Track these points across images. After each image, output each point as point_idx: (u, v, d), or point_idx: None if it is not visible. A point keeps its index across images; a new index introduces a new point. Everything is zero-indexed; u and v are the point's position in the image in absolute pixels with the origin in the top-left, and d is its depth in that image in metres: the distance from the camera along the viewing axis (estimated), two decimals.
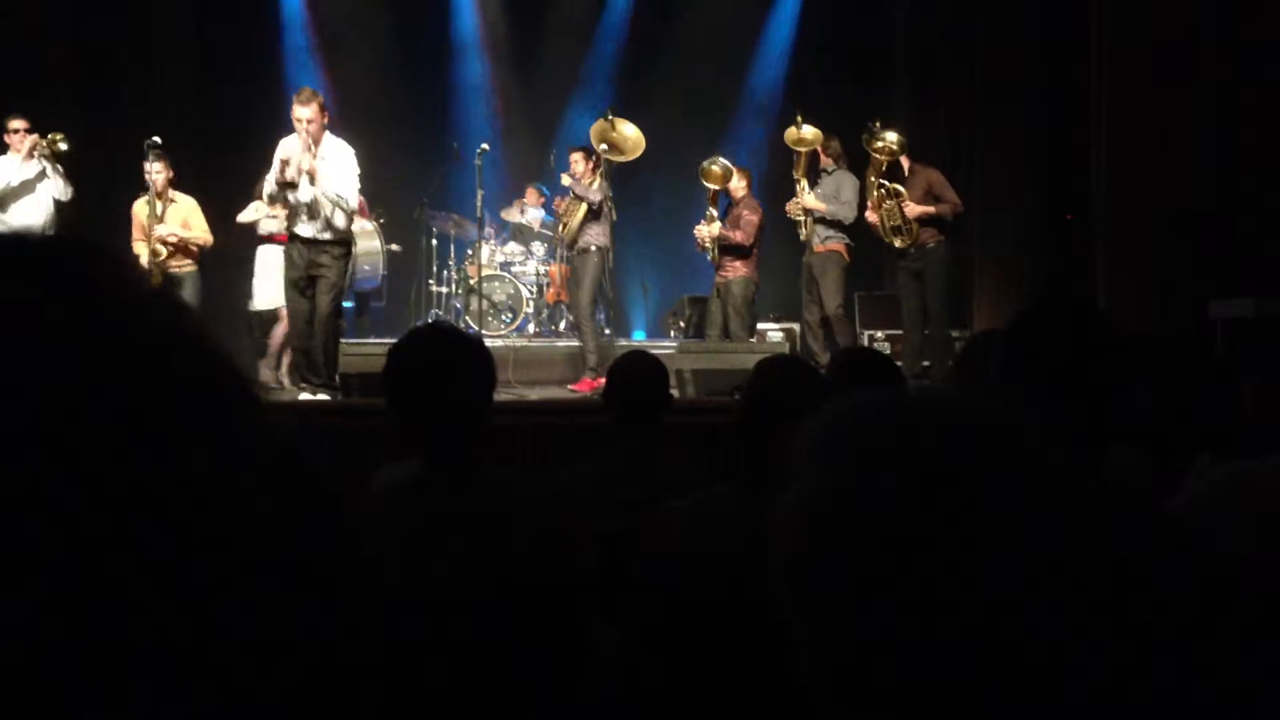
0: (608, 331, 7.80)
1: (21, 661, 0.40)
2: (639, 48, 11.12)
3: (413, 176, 9.73)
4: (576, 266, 7.66)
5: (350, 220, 6.39)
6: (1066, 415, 1.50)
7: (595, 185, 7.51)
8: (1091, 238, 7.42)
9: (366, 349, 7.08)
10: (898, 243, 7.23)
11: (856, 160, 7.69)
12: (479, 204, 7.79)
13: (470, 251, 9.02)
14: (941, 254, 7.20)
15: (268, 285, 7.66)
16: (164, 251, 7.14)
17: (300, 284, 6.26)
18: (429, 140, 10.28)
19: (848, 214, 7.46)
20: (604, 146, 7.60)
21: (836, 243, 7.50)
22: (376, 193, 8.73)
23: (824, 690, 0.76)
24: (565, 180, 7.76)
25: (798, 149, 7.66)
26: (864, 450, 0.76)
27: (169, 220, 7.25)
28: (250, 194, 7.56)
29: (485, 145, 7.96)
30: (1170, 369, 2.35)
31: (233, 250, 8.31)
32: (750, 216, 7.72)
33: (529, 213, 9.77)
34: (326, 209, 6.22)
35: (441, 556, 1.99)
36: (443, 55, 11.24)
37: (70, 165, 7.27)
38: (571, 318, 8.38)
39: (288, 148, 6.25)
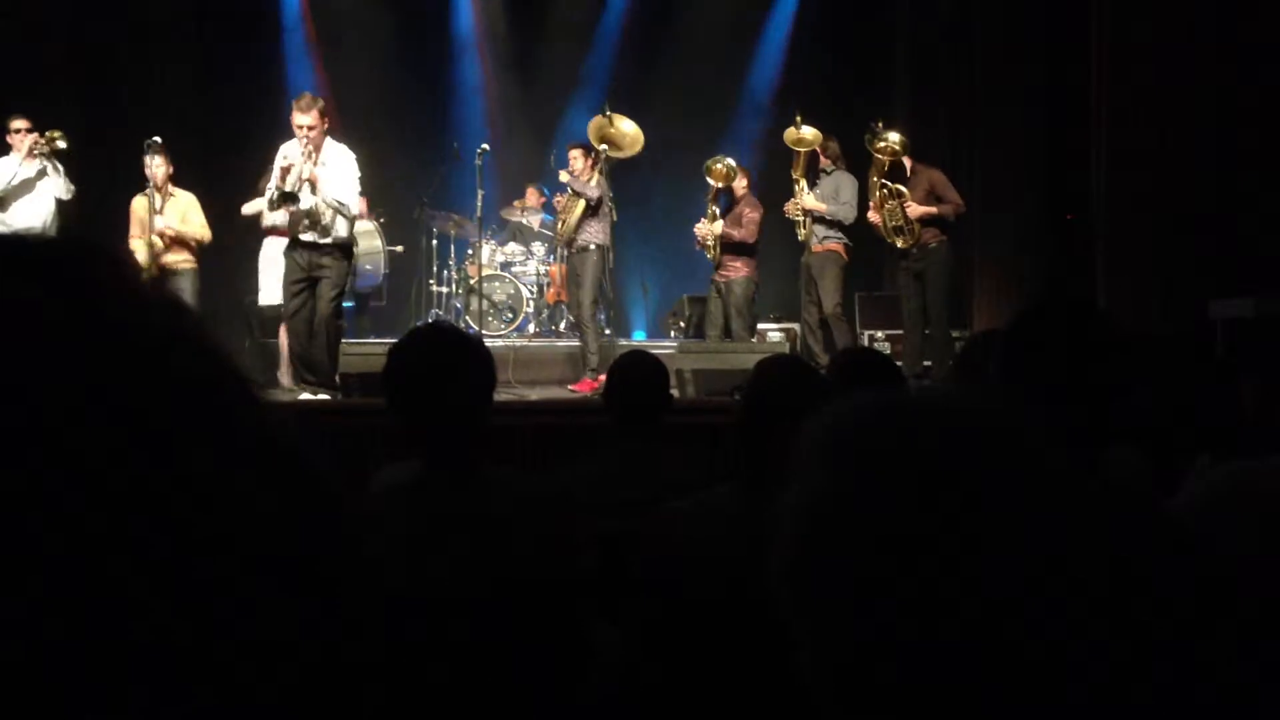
0: (608, 331, 7.80)
1: (21, 661, 0.40)
2: (639, 48, 11.12)
3: (413, 176, 9.74)
4: (576, 265, 7.65)
5: (352, 226, 6.39)
6: (1066, 415, 1.50)
7: (593, 181, 7.51)
8: (1091, 238, 7.42)
9: (367, 349, 7.08)
10: (900, 243, 7.23)
11: (856, 161, 7.70)
12: (479, 204, 7.79)
13: (470, 251, 9.02)
14: (943, 254, 7.20)
15: (274, 281, 7.65)
16: (160, 244, 7.13)
17: (300, 287, 6.25)
18: (429, 140, 10.29)
19: (848, 214, 7.47)
20: (603, 146, 7.60)
21: (835, 243, 7.51)
22: (377, 193, 8.73)
23: (824, 690, 0.76)
24: (563, 177, 7.75)
25: (797, 149, 7.67)
26: (864, 451, 0.76)
27: (167, 214, 7.25)
28: (254, 187, 7.53)
29: (485, 145, 7.96)
30: (1170, 369, 2.35)
31: (235, 247, 8.31)
32: (752, 214, 7.72)
33: (529, 213, 9.78)
34: (327, 216, 6.21)
35: (441, 557, 1.99)
36: (443, 55, 11.24)
37: (70, 164, 7.27)
38: (572, 318, 8.38)
39: (288, 154, 6.24)
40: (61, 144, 7.11)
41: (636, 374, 3.22)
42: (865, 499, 0.74)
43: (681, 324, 9.44)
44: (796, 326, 8.45)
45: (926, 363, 7.31)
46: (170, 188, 7.32)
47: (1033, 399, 1.56)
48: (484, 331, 8.12)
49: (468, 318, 8.55)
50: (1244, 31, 6.55)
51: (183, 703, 0.43)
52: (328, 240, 6.23)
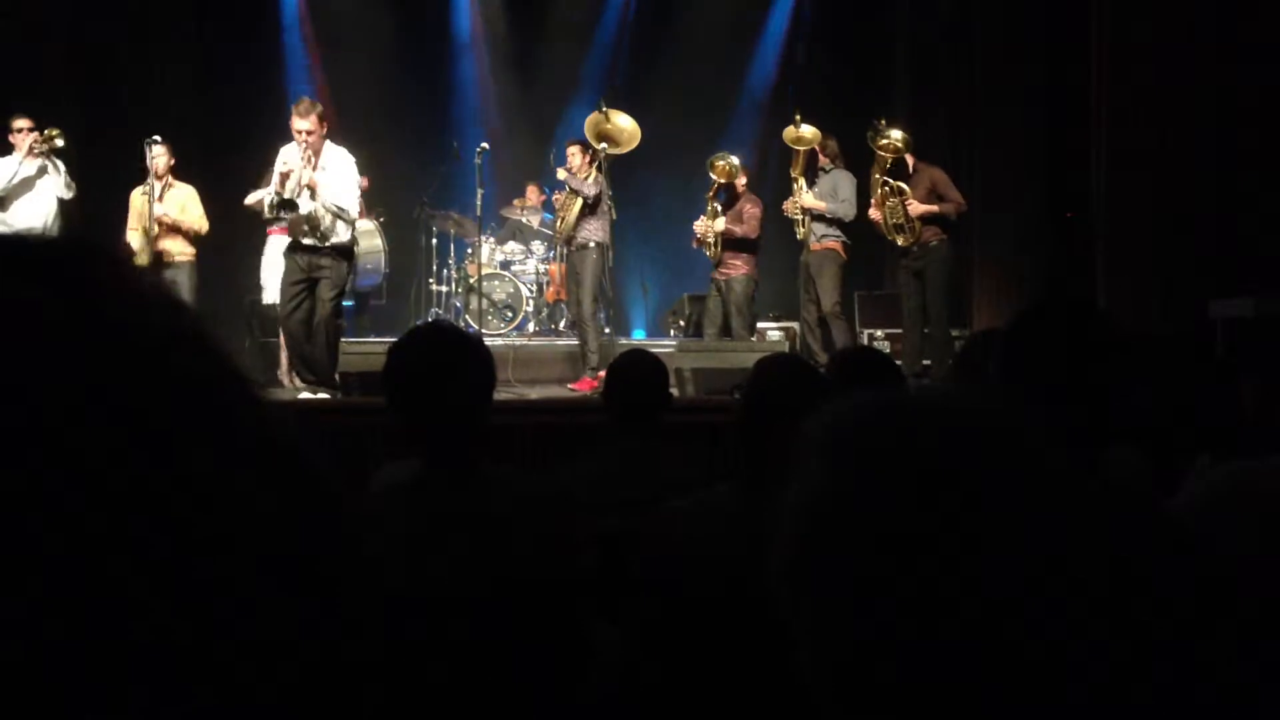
0: (607, 330, 7.80)
1: (21, 661, 0.40)
2: (638, 47, 11.13)
3: (413, 176, 9.74)
4: (576, 263, 7.63)
5: (351, 229, 6.39)
6: (1066, 415, 1.50)
7: (590, 179, 7.50)
8: (1091, 238, 7.42)
9: (366, 348, 7.08)
10: (900, 241, 7.23)
11: (856, 159, 7.70)
12: (478, 203, 7.79)
13: (470, 250, 9.02)
14: (943, 253, 7.20)
15: (277, 280, 7.65)
16: (156, 230, 7.12)
17: (299, 289, 6.25)
18: (429, 140, 10.29)
19: (847, 212, 7.47)
20: (602, 144, 7.59)
21: (833, 241, 7.51)
22: (377, 192, 8.73)
23: (824, 690, 0.76)
24: (561, 174, 7.74)
25: (796, 148, 7.67)
26: (864, 450, 0.76)
27: (166, 204, 7.26)
28: (254, 185, 7.53)
29: (485, 145, 7.96)
30: (1170, 369, 2.35)
31: (237, 245, 8.31)
32: (753, 210, 7.72)
33: (528, 212, 9.78)
34: (326, 221, 6.21)
35: (441, 556, 1.99)
36: (443, 55, 11.24)
37: (70, 164, 7.28)
38: (571, 316, 8.37)
39: (287, 159, 6.24)
40: (59, 142, 7.11)
41: (636, 373, 3.22)
42: (865, 498, 0.74)
43: (681, 323, 9.44)
44: (796, 325, 8.45)
45: (926, 362, 7.31)
46: (170, 179, 7.33)
47: (1033, 399, 1.56)
48: (484, 330, 8.12)
49: (467, 317, 8.55)
50: (1244, 31, 6.55)
51: (183, 703, 0.43)
52: (328, 244, 6.24)
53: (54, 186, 7.16)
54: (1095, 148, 7.32)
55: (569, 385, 7.55)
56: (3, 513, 0.41)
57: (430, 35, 11.10)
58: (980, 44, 8.88)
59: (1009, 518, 0.72)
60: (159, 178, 7.21)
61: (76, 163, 7.40)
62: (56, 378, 0.43)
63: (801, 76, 10.88)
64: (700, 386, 6.63)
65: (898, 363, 4.76)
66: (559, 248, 8.81)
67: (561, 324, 9.28)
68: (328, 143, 6.34)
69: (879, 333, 8.68)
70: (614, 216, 7.57)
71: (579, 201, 7.49)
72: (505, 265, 9.29)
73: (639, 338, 10.27)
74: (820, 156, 7.66)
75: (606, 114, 7.72)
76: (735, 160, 7.80)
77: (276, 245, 7.63)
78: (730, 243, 7.69)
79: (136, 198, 7.32)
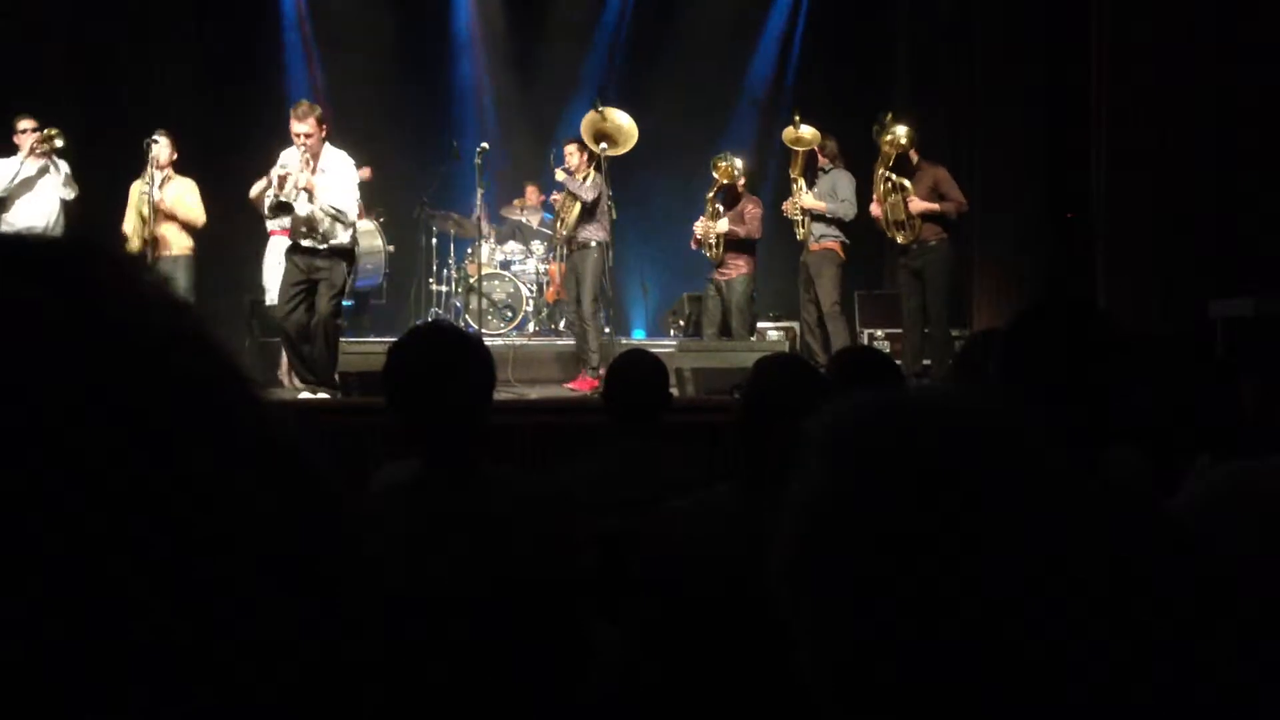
0: (607, 330, 7.81)
1: (22, 661, 0.40)
2: (638, 47, 11.13)
3: (413, 176, 9.74)
4: (577, 263, 7.62)
5: (351, 231, 6.39)
6: (1066, 415, 1.50)
7: (589, 182, 7.49)
8: (1091, 238, 7.41)
9: (366, 348, 7.08)
10: (900, 238, 7.22)
11: (855, 159, 7.70)
12: (477, 202, 7.79)
13: (470, 250, 9.02)
14: (942, 252, 7.19)
15: (279, 280, 7.66)
16: (150, 214, 7.12)
17: (298, 290, 6.26)
18: (429, 140, 10.29)
19: (847, 211, 7.47)
20: (602, 145, 7.57)
21: (831, 241, 7.51)
22: (376, 192, 8.73)
23: (824, 690, 0.76)
24: (559, 175, 7.72)
25: (795, 148, 7.67)
26: (864, 450, 0.76)
27: (165, 194, 7.26)
28: (257, 174, 7.53)
29: (485, 144, 7.96)
30: (1170, 369, 2.35)
31: (239, 245, 8.30)
32: (755, 210, 7.74)
33: (528, 211, 9.78)
34: (325, 224, 6.22)
35: (441, 556, 1.99)
36: (443, 55, 11.25)
37: (70, 164, 7.29)
38: (569, 316, 8.37)
39: (286, 162, 6.26)
40: (59, 142, 7.12)
41: (636, 373, 3.22)
42: (865, 498, 0.74)
43: (681, 322, 9.44)
44: (796, 325, 8.46)
45: (926, 362, 7.31)
46: (171, 172, 7.34)
47: (1033, 399, 1.56)
48: (484, 330, 8.12)
49: (467, 316, 8.55)
50: (1244, 31, 6.55)
51: (183, 703, 0.43)
52: (327, 246, 6.25)
53: (56, 187, 7.17)
54: (1095, 148, 7.32)
55: (566, 385, 7.55)
56: (3, 512, 0.41)
57: (430, 35, 11.10)
58: (980, 44, 8.88)
59: (1009, 518, 0.72)
60: (160, 168, 7.22)
61: (76, 163, 7.40)
62: (56, 378, 0.43)
63: (801, 76, 10.88)
64: (700, 386, 6.63)
65: (897, 362, 4.76)
66: (559, 248, 8.81)
67: (561, 324, 9.28)
68: (327, 145, 6.34)
69: (879, 332, 8.68)
70: (614, 216, 7.57)
71: (578, 204, 7.49)
72: (505, 265, 9.29)
73: (639, 337, 10.27)
74: (820, 157, 7.66)
75: (603, 113, 7.71)
76: (738, 162, 7.80)
77: (278, 247, 7.63)
78: (731, 243, 7.70)
79: (135, 188, 7.33)
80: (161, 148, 7.21)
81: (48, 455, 0.42)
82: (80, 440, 0.42)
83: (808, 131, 7.63)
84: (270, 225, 7.57)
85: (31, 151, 7.06)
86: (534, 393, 7.18)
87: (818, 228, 7.52)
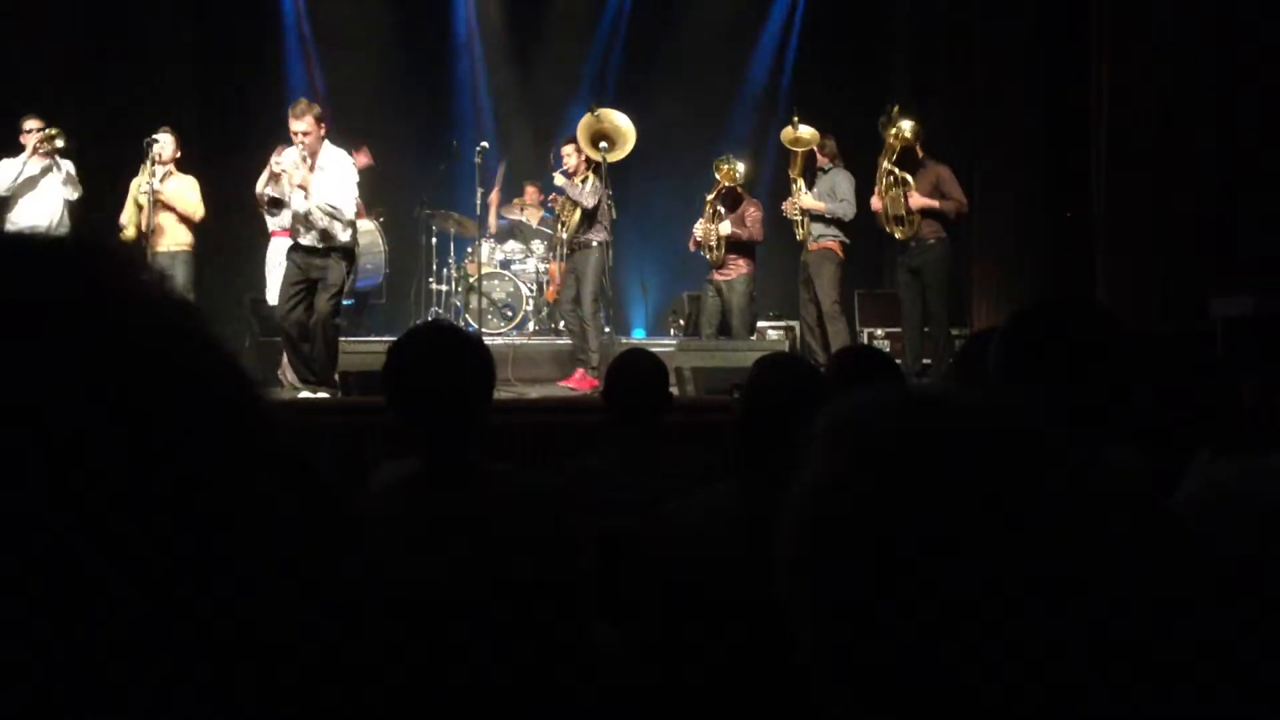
0: (608, 330, 7.81)
1: (22, 661, 0.40)
2: (638, 46, 11.12)
3: (413, 175, 9.74)
4: (577, 263, 7.61)
5: (348, 229, 6.39)
6: (1066, 415, 1.50)
7: (589, 187, 7.47)
8: (1091, 238, 7.42)
9: (366, 347, 7.08)
10: (898, 233, 7.20)
11: (855, 159, 7.69)
12: (478, 202, 7.79)
13: (470, 250, 9.02)
14: (941, 251, 7.18)
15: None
16: (147, 205, 7.11)
17: (298, 289, 6.26)
18: (429, 139, 10.28)
19: (846, 211, 7.46)
20: (602, 144, 7.55)
21: (830, 241, 7.50)
22: (376, 192, 8.73)
23: (824, 689, 0.76)
24: (559, 180, 7.69)
25: (794, 149, 7.66)
26: (865, 449, 0.76)
27: (165, 186, 7.26)
28: (257, 174, 7.54)
29: (485, 143, 7.95)
30: (1170, 369, 2.35)
31: (240, 244, 8.30)
32: (756, 213, 7.75)
33: (528, 211, 9.78)
34: (322, 221, 6.22)
35: (441, 555, 1.99)
36: (443, 54, 11.24)
37: (72, 164, 7.30)
38: (563, 315, 8.35)
39: (283, 160, 6.27)
40: (59, 143, 7.12)
41: (635, 372, 3.22)
42: (866, 497, 0.74)
43: (681, 321, 9.44)
44: (795, 325, 8.46)
45: (926, 361, 7.31)
46: (173, 168, 7.35)
47: (1032, 398, 1.56)
48: (483, 329, 8.12)
49: (467, 316, 8.55)
50: (1244, 32, 6.55)
51: (183, 703, 0.43)
52: (325, 244, 6.25)
53: (59, 186, 7.17)
54: (1095, 148, 7.32)
55: (558, 382, 7.54)
56: (4, 513, 0.41)
57: (430, 34, 11.10)
58: (980, 44, 8.88)
59: (1010, 517, 0.72)
60: (163, 164, 7.22)
61: (76, 163, 7.40)
62: (59, 378, 0.43)
63: (801, 76, 10.88)
64: (700, 386, 6.63)
65: (897, 362, 4.76)
66: (559, 247, 8.81)
67: (561, 324, 9.28)
68: (326, 144, 6.35)
69: (879, 331, 8.68)
70: (614, 215, 7.57)
71: (579, 210, 7.47)
72: (505, 264, 9.29)
73: (639, 337, 10.26)
74: (819, 156, 7.66)
75: (598, 116, 7.67)
76: (740, 166, 7.79)
77: (280, 248, 7.64)
78: (731, 244, 7.70)
79: (135, 184, 7.34)
80: (165, 144, 7.23)
81: (49, 456, 0.42)
82: (82, 441, 0.42)
83: (806, 131, 7.63)
84: (272, 226, 7.58)
85: (34, 151, 7.07)
86: (534, 392, 7.18)
87: (817, 227, 7.52)
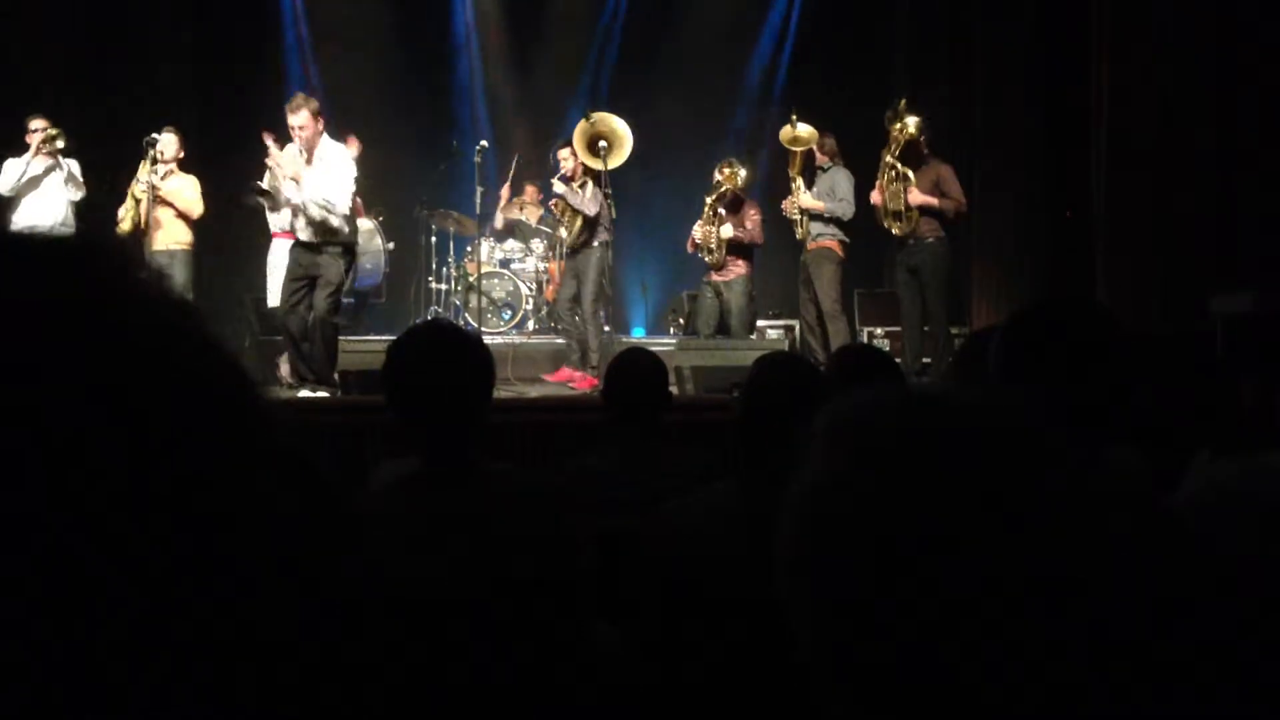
0: (607, 329, 7.81)
1: (22, 661, 0.40)
2: (638, 47, 11.12)
3: (412, 175, 9.74)
4: (578, 263, 7.61)
5: (346, 223, 6.38)
6: (1066, 415, 1.50)
7: (589, 194, 7.46)
8: (1091, 238, 7.41)
9: (366, 346, 7.09)
10: (895, 229, 7.19)
11: (854, 158, 7.69)
12: (477, 201, 7.78)
13: (470, 249, 9.02)
14: (939, 250, 7.17)
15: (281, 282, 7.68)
16: (145, 199, 7.11)
17: (299, 285, 6.27)
18: (428, 139, 10.28)
19: (846, 211, 7.46)
20: (602, 144, 7.53)
21: (829, 240, 7.50)
22: (376, 191, 8.73)
23: (824, 689, 0.76)
24: (558, 187, 7.63)
25: (793, 148, 7.66)
26: (865, 449, 0.76)
27: (165, 183, 7.26)
28: (257, 173, 7.56)
29: (485, 143, 7.95)
30: (1170, 369, 2.35)
31: (239, 242, 8.30)
32: (756, 215, 7.76)
33: (528, 210, 9.77)
34: (315, 214, 6.23)
35: (440, 555, 1.99)
36: (443, 54, 11.24)
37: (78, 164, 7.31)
38: (561, 313, 8.36)
39: (283, 156, 6.28)
40: (60, 143, 7.12)
41: (635, 371, 3.22)
42: (866, 496, 0.74)
43: (681, 321, 9.44)
44: (795, 324, 8.46)
45: (926, 360, 7.30)
46: (175, 168, 7.35)
47: (1032, 398, 1.56)
48: (483, 328, 8.11)
49: (467, 315, 8.55)
50: (1244, 32, 6.55)
51: (183, 703, 0.43)
52: (322, 239, 6.25)
53: (63, 187, 7.18)
54: (1095, 148, 7.32)
55: (544, 376, 7.54)
56: (4, 513, 0.41)
57: (430, 33, 11.09)
58: (980, 44, 8.88)
59: (1010, 517, 0.72)
60: (164, 162, 7.23)
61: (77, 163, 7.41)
62: (59, 378, 0.43)
63: (801, 76, 10.87)
64: (700, 385, 6.63)
65: (897, 361, 4.76)
66: (559, 246, 8.81)
67: (561, 325, 9.28)
68: (325, 138, 6.35)
69: (879, 330, 8.68)
70: (614, 214, 7.56)
71: (580, 217, 7.47)
72: (505, 263, 9.29)
73: (638, 336, 10.26)
74: (818, 155, 7.65)
75: (593, 121, 7.64)
76: (743, 171, 7.78)
77: (281, 249, 7.64)
78: (731, 247, 7.70)
79: (135, 181, 7.35)
80: (169, 143, 7.24)
81: (48, 455, 0.41)
82: (82, 441, 0.42)
83: (805, 131, 7.62)
84: (273, 227, 7.59)
85: (37, 151, 7.07)
86: (534, 391, 7.18)
87: (816, 226, 7.52)
